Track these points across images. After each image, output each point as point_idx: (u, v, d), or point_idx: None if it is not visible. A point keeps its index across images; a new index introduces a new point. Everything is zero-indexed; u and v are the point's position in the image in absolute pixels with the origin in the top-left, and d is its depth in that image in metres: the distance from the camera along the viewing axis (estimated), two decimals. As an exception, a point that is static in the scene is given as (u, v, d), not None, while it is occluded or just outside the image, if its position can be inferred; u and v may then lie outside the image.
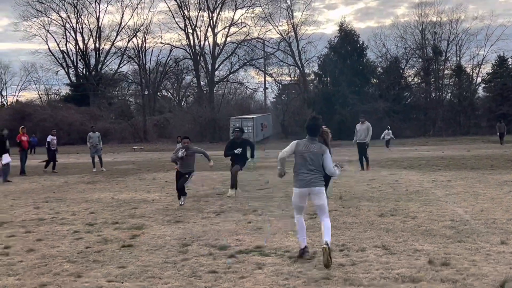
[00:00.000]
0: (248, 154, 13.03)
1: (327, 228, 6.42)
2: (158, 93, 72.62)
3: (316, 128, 6.76)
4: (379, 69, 59.72)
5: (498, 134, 34.71)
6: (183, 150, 11.30)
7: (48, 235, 8.45)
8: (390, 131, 35.30)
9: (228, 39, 65.39)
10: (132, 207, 11.32)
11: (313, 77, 63.54)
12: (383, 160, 22.83)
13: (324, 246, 6.08)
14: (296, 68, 64.86)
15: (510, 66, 55.94)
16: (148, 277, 5.86)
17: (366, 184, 14.17)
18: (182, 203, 11.24)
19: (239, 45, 64.96)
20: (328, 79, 58.14)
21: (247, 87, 71.18)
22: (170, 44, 66.78)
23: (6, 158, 17.44)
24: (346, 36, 56.86)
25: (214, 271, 6.01)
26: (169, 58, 67.96)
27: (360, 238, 7.61)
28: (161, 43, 67.70)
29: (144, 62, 67.17)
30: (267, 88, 69.64)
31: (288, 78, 67.29)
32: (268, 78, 67.88)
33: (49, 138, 22.02)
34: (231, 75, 67.79)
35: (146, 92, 67.65)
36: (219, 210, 10.54)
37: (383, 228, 8.31)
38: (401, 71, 58.46)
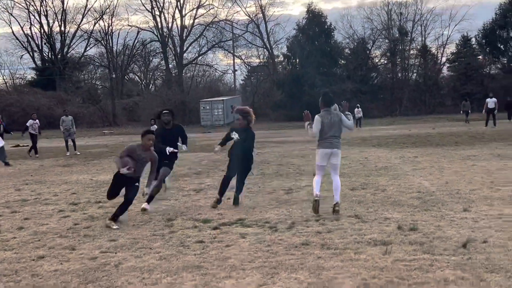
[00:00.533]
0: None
1: (337, 188, 7.86)
2: (126, 77, 72.06)
3: (330, 100, 8.10)
4: (346, 50, 60.39)
5: (462, 112, 35.60)
6: (128, 168, 7.56)
7: (34, 214, 8.73)
8: (360, 109, 36.10)
9: (196, 21, 65.23)
10: (112, 187, 11.62)
11: (282, 59, 63.90)
12: (352, 139, 23.46)
13: (335, 204, 7.69)
14: (265, 50, 65.14)
15: (474, 46, 57.27)
16: (139, 248, 6.25)
17: (337, 162, 14.71)
18: (116, 227, 7.44)
19: (207, 27, 64.84)
20: (297, 60, 58.58)
21: (216, 69, 71.32)
22: (137, 27, 66.27)
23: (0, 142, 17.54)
24: (314, 17, 57.27)
25: (201, 241, 6.44)
26: (136, 41, 67.49)
27: (335, 209, 8.12)
28: (128, 25, 67.30)
29: (111, 45, 66.53)
30: (236, 70, 69.84)
31: (257, 60, 67.60)
32: (237, 60, 68.10)
33: (29, 122, 21.89)
34: (199, 58, 67.74)
35: (114, 75, 67.07)
36: (198, 188, 10.95)
37: (355, 200, 8.84)
38: (368, 52, 59.24)
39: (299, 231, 6.74)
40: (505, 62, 55.62)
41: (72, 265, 5.66)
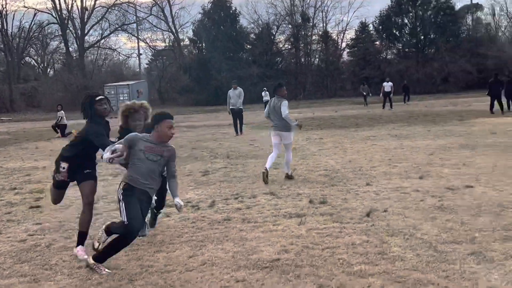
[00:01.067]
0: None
1: (287, 162, 9.51)
2: (22, 60, 68.69)
3: (274, 89, 9.60)
4: (251, 35, 61.29)
5: (364, 94, 37.23)
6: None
7: None
8: (267, 92, 36.69)
9: (97, 2, 63.78)
10: (25, 174, 11.49)
11: (188, 43, 63.71)
12: (261, 123, 24.22)
13: (286, 174, 9.42)
14: (170, 33, 64.63)
15: (371, 32, 60.10)
16: (67, 230, 6.44)
17: (248, 144, 15.35)
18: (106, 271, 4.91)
19: (110, 10, 63.26)
20: (203, 45, 58.72)
21: (119, 53, 69.84)
22: (34, 8, 63.31)
23: None
24: (219, 1, 57.56)
25: (128, 221, 6.72)
26: (33, 23, 64.44)
27: (251, 188, 8.69)
28: (24, 7, 63.98)
29: (6, 27, 63.11)
30: (141, 54, 68.77)
31: (163, 44, 66.93)
32: (142, 44, 67.04)
33: None
34: (102, 41, 66.00)
35: (9, 59, 63.72)
36: (114, 173, 11.09)
37: (269, 179, 9.43)
38: (272, 37, 60.49)
39: (220, 209, 7.22)
40: (400, 47, 58.88)
41: (1, 247, 5.78)
